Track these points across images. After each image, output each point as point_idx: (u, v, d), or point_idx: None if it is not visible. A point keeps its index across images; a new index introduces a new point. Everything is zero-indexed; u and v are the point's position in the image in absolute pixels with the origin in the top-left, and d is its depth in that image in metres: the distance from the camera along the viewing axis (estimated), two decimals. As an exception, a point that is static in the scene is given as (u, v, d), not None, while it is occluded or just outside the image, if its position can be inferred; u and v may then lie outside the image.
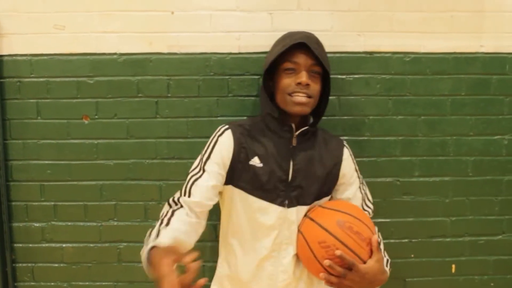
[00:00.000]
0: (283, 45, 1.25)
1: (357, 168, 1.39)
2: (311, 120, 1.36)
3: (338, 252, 1.12)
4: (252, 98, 1.59)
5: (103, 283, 1.65)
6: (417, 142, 1.62)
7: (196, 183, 1.22)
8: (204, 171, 1.24)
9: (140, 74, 1.59)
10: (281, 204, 1.26)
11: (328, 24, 1.58)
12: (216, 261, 1.40)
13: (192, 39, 1.57)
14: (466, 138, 1.63)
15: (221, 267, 1.36)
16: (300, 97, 1.22)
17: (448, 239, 1.66)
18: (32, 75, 1.59)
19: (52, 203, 1.63)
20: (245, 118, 1.51)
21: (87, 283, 1.65)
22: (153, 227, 1.14)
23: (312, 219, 1.23)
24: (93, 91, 1.59)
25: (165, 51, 1.58)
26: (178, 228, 1.13)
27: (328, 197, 1.35)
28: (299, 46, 1.22)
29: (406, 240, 1.66)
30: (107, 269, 1.65)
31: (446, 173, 1.64)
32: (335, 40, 1.58)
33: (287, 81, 1.24)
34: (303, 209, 1.28)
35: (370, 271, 1.14)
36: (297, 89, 1.22)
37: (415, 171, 1.63)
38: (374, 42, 1.60)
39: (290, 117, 1.28)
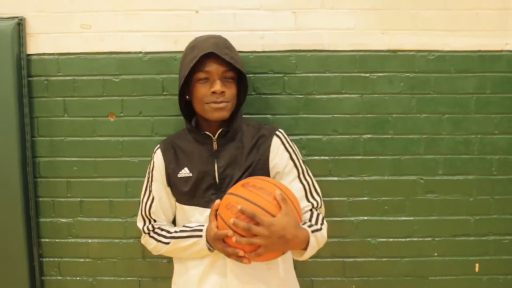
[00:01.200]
0: (192, 57, 1.24)
1: (295, 157, 1.33)
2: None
3: (238, 206, 1.09)
4: (276, 96, 1.60)
5: (128, 279, 1.68)
6: (441, 140, 1.62)
7: (152, 211, 1.36)
8: (152, 196, 1.37)
9: (165, 72, 1.61)
10: None
11: (352, 23, 1.58)
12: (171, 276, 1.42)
13: (216, 37, 1.58)
14: (490, 136, 1.62)
15: (175, 279, 1.40)
16: (217, 104, 1.25)
17: (471, 238, 1.65)
18: (59, 74, 1.62)
19: (78, 199, 1.66)
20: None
21: (112, 278, 1.68)
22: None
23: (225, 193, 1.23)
24: (119, 89, 1.62)
25: (190, 49, 1.59)
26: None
27: None
28: (210, 54, 1.22)
29: (429, 239, 1.65)
30: (132, 265, 1.67)
31: (470, 171, 1.63)
32: (359, 38, 1.59)
33: (202, 91, 1.25)
34: None
35: (277, 223, 1.07)
36: (214, 98, 1.24)
37: (439, 170, 1.63)
38: (397, 40, 1.59)
39: (210, 122, 1.31)
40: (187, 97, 1.33)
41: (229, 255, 1.14)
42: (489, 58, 1.60)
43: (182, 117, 1.58)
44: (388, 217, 1.64)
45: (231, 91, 1.27)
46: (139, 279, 1.68)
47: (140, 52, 1.61)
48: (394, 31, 1.59)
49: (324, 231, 1.24)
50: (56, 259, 1.69)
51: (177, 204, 1.35)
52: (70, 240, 1.67)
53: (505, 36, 1.59)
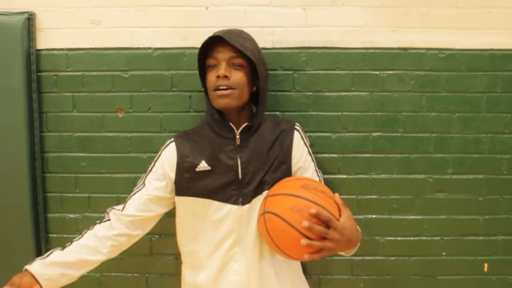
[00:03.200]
0: (203, 44, 1.27)
1: (310, 151, 1.36)
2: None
3: (313, 210, 1.07)
4: (286, 93, 1.60)
5: (135, 275, 1.68)
6: (450, 139, 1.61)
7: (134, 196, 1.33)
8: (144, 184, 1.33)
9: (174, 68, 1.60)
10: (235, 202, 1.26)
11: (363, 20, 1.58)
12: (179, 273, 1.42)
13: (226, 34, 1.58)
14: (501, 135, 1.61)
15: (185, 275, 1.37)
16: (221, 90, 1.23)
17: (480, 238, 1.64)
18: (68, 69, 1.62)
19: (86, 195, 1.66)
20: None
21: (119, 274, 1.68)
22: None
23: (275, 194, 1.20)
24: (128, 85, 1.62)
25: (199, 46, 1.58)
26: (85, 243, 1.27)
27: None
28: (220, 41, 1.24)
29: (438, 238, 1.64)
30: (139, 261, 1.67)
31: (480, 171, 1.62)
32: (369, 36, 1.58)
33: (210, 78, 1.26)
34: (258, 200, 1.26)
35: (347, 227, 1.10)
36: (218, 83, 1.23)
37: (448, 168, 1.62)
38: (408, 38, 1.58)
39: (229, 116, 1.30)
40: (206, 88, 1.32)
41: None
42: (500, 57, 1.59)
43: (191, 113, 1.61)
44: (397, 215, 1.63)
45: (237, 77, 1.24)
46: (147, 275, 1.68)
47: (149, 48, 1.61)
48: (405, 28, 1.58)
49: None
50: (63, 255, 1.68)
51: (183, 198, 1.30)
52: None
53: (516, 35, 1.59)
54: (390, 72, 1.59)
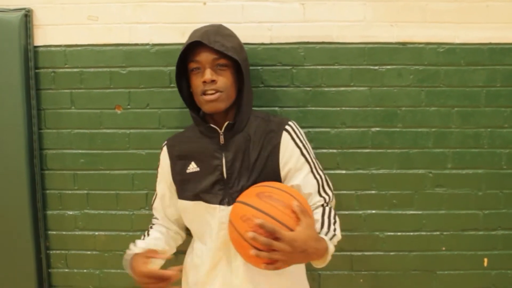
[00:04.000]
0: (183, 48, 1.23)
1: (306, 152, 1.27)
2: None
3: (258, 221, 1.02)
4: (284, 88, 1.59)
5: (134, 271, 1.67)
6: (450, 134, 1.60)
7: (154, 205, 1.42)
8: (156, 193, 1.41)
9: (172, 64, 1.57)
10: (222, 203, 1.24)
11: (361, 15, 1.57)
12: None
13: (224, 29, 1.57)
14: (500, 130, 1.60)
15: (188, 276, 1.38)
16: (209, 95, 1.21)
17: (480, 233, 1.64)
18: (66, 66, 1.62)
19: (85, 191, 1.66)
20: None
21: (118, 270, 1.67)
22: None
23: (236, 201, 1.19)
24: (126, 81, 1.61)
25: (197, 41, 1.58)
26: (155, 236, 1.35)
27: None
28: (201, 43, 1.20)
29: (437, 233, 1.64)
30: (138, 258, 1.67)
31: (479, 165, 1.62)
32: (368, 30, 1.57)
33: (195, 82, 1.24)
34: None
35: (299, 238, 1.03)
36: (206, 88, 1.21)
37: (447, 163, 1.61)
38: (407, 32, 1.58)
39: (216, 115, 1.28)
40: (191, 89, 1.30)
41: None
42: (500, 51, 1.58)
43: (189, 110, 1.60)
44: (396, 210, 1.63)
45: (224, 80, 1.22)
46: (146, 271, 1.67)
47: (147, 44, 1.60)
48: (404, 23, 1.58)
49: (338, 232, 1.20)
50: (63, 252, 1.68)
51: (182, 201, 1.31)
52: (77, 233, 1.67)
53: (516, 29, 1.58)
54: (389, 67, 1.59)
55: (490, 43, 1.58)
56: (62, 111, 1.64)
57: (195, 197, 1.27)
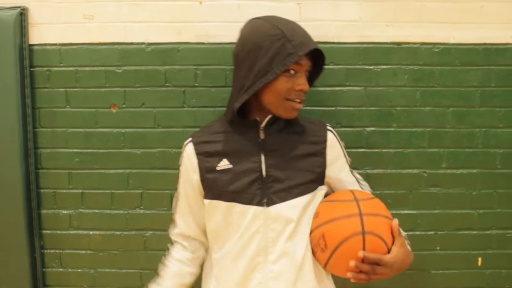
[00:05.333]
0: (288, 53, 1.09)
1: (344, 152, 1.29)
2: None
3: (360, 254, 1.03)
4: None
5: (129, 271, 1.67)
6: (445, 133, 1.61)
7: (176, 209, 1.29)
8: (179, 194, 1.28)
9: (168, 63, 1.60)
10: (259, 203, 1.15)
11: (357, 15, 1.57)
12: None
13: (220, 28, 1.58)
14: (495, 130, 1.61)
15: (206, 283, 1.27)
16: (297, 104, 1.15)
17: (475, 232, 1.64)
18: (61, 64, 1.61)
19: (80, 191, 1.65)
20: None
21: (113, 270, 1.67)
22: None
23: (371, 214, 1.13)
24: (121, 80, 1.61)
25: (193, 40, 1.59)
26: (174, 270, 1.27)
27: (323, 187, 1.24)
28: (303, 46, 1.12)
29: (432, 232, 1.64)
30: (133, 257, 1.66)
31: (474, 165, 1.62)
32: (364, 30, 1.58)
33: (287, 86, 1.12)
34: (287, 205, 1.15)
35: (397, 259, 1.06)
36: (298, 96, 1.14)
37: (442, 163, 1.62)
38: (402, 32, 1.58)
39: (258, 109, 1.19)
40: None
41: None
42: (494, 51, 1.59)
43: (185, 109, 1.61)
44: (391, 210, 1.56)
45: (308, 87, 1.17)
46: (141, 271, 1.67)
47: (143, 43, 1.60)
48: (399, 23, 1.58)
49: (404, 234, 1.22)
50: (57, 251, 1.68)
51: (211, 201, 1.19)
52: (71, 232, 1.67)
53: (510, 29, 1.59)
54: (384, 66, 1.59)
55: (485, 43, 1.59)
56: (57, 110, 1.63)
57: (227, 197, 1.16)
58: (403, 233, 1.19)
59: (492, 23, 1.58)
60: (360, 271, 1.05)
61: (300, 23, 1.54)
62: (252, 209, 1.15)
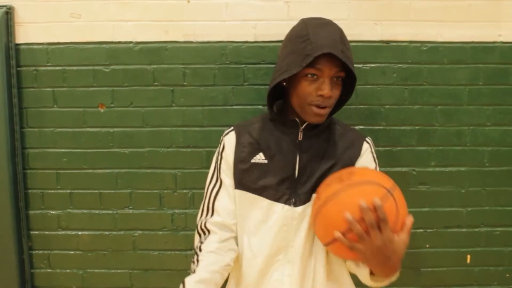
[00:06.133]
0: (305, 54, 1.06)
1: (376, 165, 1.21)
2: None
3: (377, 201, 0.89)
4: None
5: (118, 271, 1.66)
6: (433, 131, 1.61)
7: (217, 197, 1.20)
8: (221, 181, 1.21)
9: (156, 62, 1.59)
10: (287, 202, 1.15)
11: (345, 13, 1.57)
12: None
13: (208, 27, 1.57)
14: (483, 128, 1.62)
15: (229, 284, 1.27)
16: (320, 109, 1.10)
17: (463, 230, 1.65)
18: (49, 64, 1.60)
19: (68, 191, 1.64)
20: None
21: (102, 270, 1.66)
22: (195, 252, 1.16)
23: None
24: (109, 80, 1.60)
25: (181, 39, 1.58)
26: (205, 266, 1.11)
27: None
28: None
29: (421, 230, 1.65)
30: (122, 257, 1.66)
31: (462, 163, 1.63)
32: (352, 29, 1.57)
33: (308, 90, 1.09)
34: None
35: (395, 242, 0.93)
36: (319, 101, 1.09)
37: (431, 161, 1.62)
38: (391, 31, 1.59)
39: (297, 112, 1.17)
40: (284, 83, 1.16)
41: None
42: (482, 50, 1.59)
43: (173, 108, 1.60)
44: None
45: (336, 94, 1.11)
46: (130, 271, 1.66)
47: (131, 42, 1.59)
48: (387, 21, 1.58)
49: None
50: (45, 252, 1.67)
51: (240, 192, 1.18)
52: (60, 232, 1.66)
53: (498, 28, 1.59)
54: (373, 65, 1.59)
55: (473, 42, 1.59)
56: (45, 110, 1.62)
57: (254, 190, 1.16)
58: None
59: (480, 22, 1.58)
60: (350, 231, 0.92)
61: (289, 22, 1.54)
62: (279, 207, 1.14)
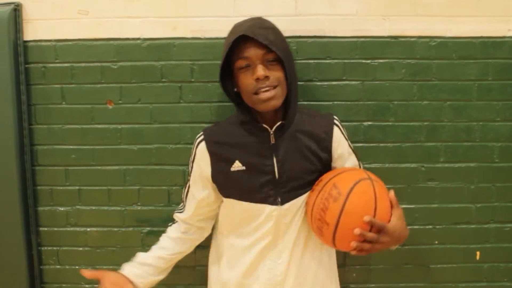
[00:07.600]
0: (227, 44, 1.15)
1: (350, 145, 1.32)
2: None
3: (367, 218, 1.06)
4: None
5: (127, 267, 1.66)
6: (442, 127, 1.60)
7: (188, 197, 1.35)
8: (189, 185, 1.33)
9: (163, 59, 1.59)
10: (274, 203, 1.21)
11: (353, 8, 1.56)
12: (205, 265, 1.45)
13: (216, 23, 1.57)
14: (492, 123, 1.60)
15: (215, 263, 1.39)
16: (264, 93, 1.13)
17: (473, 226, 1.64)
18: (57, 61, 1.60)
19: (77, 187, 1.65)
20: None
21: (111, 266, 1.65)
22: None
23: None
24: (117, 76, 1.60)
25: (189, 35, 1.58)
26: (163, 245, 1.36)
27: None
28: (247, 38, 1.11)
29: (430, 227, 1.64)
30: (131, 253, 1.62)
31: (471, 159, 1.62)
32: (360, 24, 1.57)
33: (246, 81, 1.15)
34: (298, 201, 1.23)
35: (397, 229, 1.11)
36: (259, 85, 1.13)
37: (440, 157, 1.61)
38: (399, 26, 1.57)
39: (265, 114, 1.22)
40: (235, 89, 1.23)
41: None
42: (492, 45, 1.58)
43: (181, 104, 1.60)
44: None
45: (276, 75, 1.14)
46: (139, 267, 1.66)
47: (138, 39, 1.59)
48: (396, 17, 1.57)
49: None
50: (54, 248, 1.67)
51: (227, 199, 1.27)
52: (68, 229, 1.66)
53: (508, 22, 1.58)
54: (381, 60, 1.58)
55: (482, 37, 1.58)
56: (53, 107, 1.62)
57: (240, 197, 1.23)
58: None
59: (489, 16, 1.57)
60: (364, 240, 1.07)
61: (296, 17, 1.57)
62: (267, 208, 1.21)
